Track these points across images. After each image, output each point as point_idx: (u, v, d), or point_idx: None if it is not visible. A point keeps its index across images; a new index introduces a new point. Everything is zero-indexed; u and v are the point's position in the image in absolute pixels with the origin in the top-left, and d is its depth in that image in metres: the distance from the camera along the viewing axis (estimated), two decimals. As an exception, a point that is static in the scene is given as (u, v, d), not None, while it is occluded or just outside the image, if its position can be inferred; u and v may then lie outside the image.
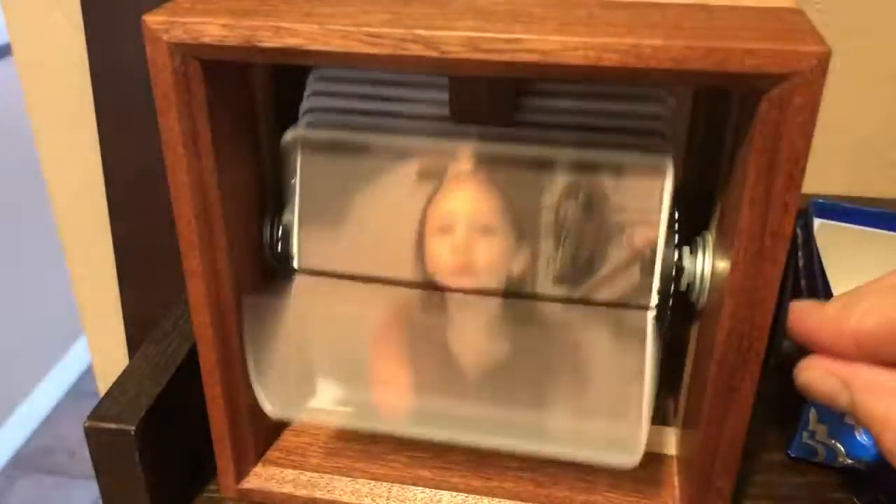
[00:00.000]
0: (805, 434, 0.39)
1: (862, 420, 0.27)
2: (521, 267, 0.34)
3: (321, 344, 0.37)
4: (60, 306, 1.94)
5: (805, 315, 0.29)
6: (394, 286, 0.35)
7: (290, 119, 0.36)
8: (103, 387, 0.65)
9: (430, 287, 0.35)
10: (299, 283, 0.36)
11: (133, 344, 0.50)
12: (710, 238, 0.35)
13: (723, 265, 0.32)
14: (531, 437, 0.34)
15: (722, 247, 0.33)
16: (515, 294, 0.35)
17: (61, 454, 1.82)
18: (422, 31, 0.27)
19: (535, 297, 0.35)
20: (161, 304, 0.34)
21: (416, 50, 0.27)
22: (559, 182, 0.33)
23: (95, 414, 0.35)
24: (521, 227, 0.34)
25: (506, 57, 0.27)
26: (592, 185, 0.33)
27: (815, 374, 0.29)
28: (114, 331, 0.60)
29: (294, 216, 0.36)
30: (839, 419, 0.38)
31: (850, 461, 0.39)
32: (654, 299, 0.34)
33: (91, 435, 0.35)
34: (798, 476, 0.40)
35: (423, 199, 0.34)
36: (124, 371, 0.38)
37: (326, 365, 0.38)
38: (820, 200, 0.48)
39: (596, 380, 0.35)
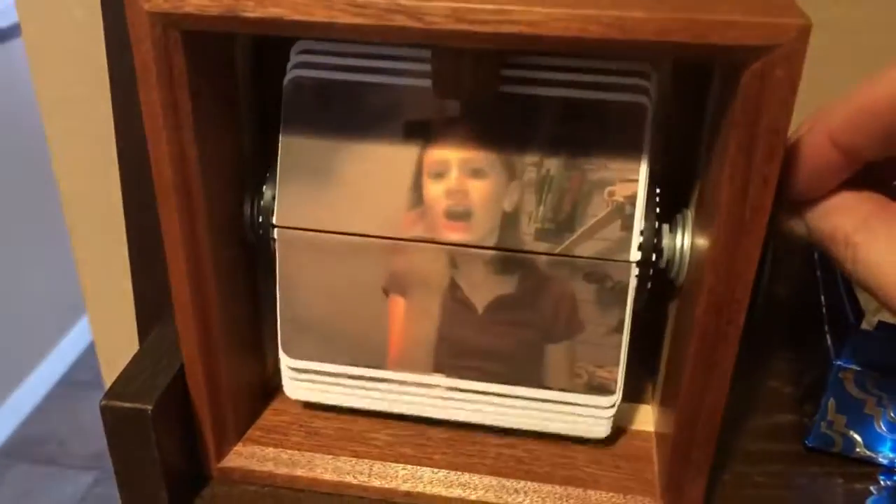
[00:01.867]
0: (823, 424, 0.39)
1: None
2: (513, 203, 0.35)
3: (317, 302, 0.37)
4: (52, 296, 1.93)
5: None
6: (386, 246, 0.35)
7: (273, 92, 0.36)
8: (106, 369, 0.64)
9: (424, 240, 0.35)
10: (283, 242, 0.36)
11: (143, 325, 0.49)
12: (690, 215, 0.35)
13: (702, 241, 0.32)
14: (530, 380, 0.37)
15: (701, 223, 0.33)
16: (505, 246, 0.35)
17: (52, 444, 1.81)
18: (405, 2, 0.27)
19: (519, 251, 0.35)
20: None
21: (400, 21, 0.27)
22: (542, 136, 0.34)
23: (111, 392, 0.35)
24: (512, 166, 0.34)
25: (490, 28, 0.27)
26: (574, 139, 0.34)
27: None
28: (119, 312, 0.59)
29: (276, 174, 0.36)
30: (858, 409, 0.38)
31: (868, 452, 0.39)
32: (635, 254, 0.34)
33: (107, 413, 0.34)
34: (815, 466, 0.39)
35: (412, 153, 0.35)
36: (140, 349, 0.37)
37: (323, 318, 0.38)
38: None
39: (587, 327, 0.36)
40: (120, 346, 0.62)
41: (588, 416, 0.38)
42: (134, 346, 0.53)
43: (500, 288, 0.36)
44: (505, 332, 0.36)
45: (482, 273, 0.36)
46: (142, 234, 0.46)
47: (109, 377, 0.63)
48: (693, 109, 0.35)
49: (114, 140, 0.47)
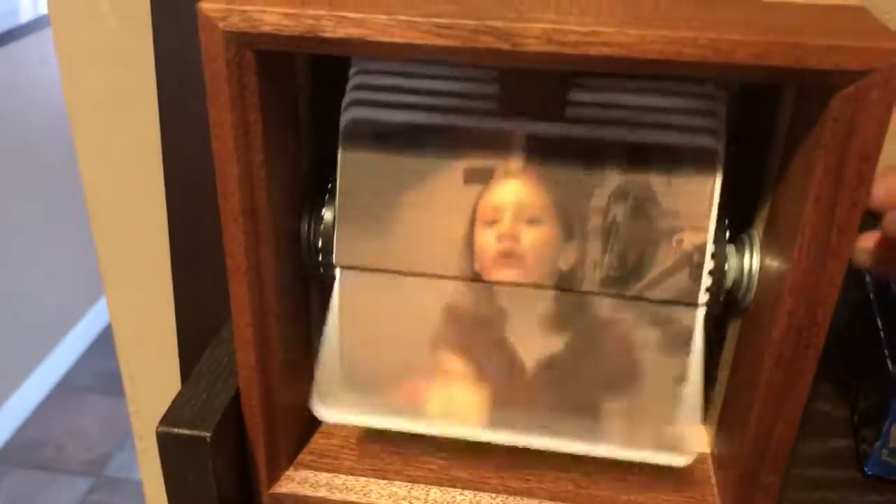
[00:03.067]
0: (884, 451, 0.38)
1: None
2: (569, 263, 0.34)
3: (371, 343, 0.37)
4: (51, 299, 1.90)
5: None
6: (439, 287, 0.35)
7: (330, 111, 0.35)
8: (129, 384, 0.62)
9: (477, 282, 0.35)
10: (343, 280, 0.35)
11: (184, 346, 0.48)
12: (758, 235, 0.34)
13: (776, 263, 0.32)
14: (585, 437, 0.35)
15: (775, 244, 0.33)
16: (564, 288, 0.34)
17: (49, 449, 1.78)
18: (495, 23, 0.26)
19: (583, 294, 0.34)
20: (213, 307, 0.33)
21: (488, 42, 0.27)
22: (608, 183, 0.33)
23: (168, 418, 0.34)
24: (570, 223, 0.33)
25: (581, 50, 0.26)
26: (641, 186, 0.33)
27: None
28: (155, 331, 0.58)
29: (335, 196, 0.35)
30: None
31: None
32: (703, 297, 0.34)
33: (165, 440, 0.33)
34: (875, 494, 0.39)
35: (471, 197, 0.34)
36: (193, 374, 0.37)
37: (370, 364, 0.37)
38: None
39: (646, 377, 0.34)
40: (145, 344, 0.60)
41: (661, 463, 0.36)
42: (160, 349, 0.52)
43: (551, 345, 0.35)
44: (557, 391, 0.35)
45: (534, 326, 0.35)
46: (187, 257, 0.45)
47: (131, 389, 0.62)
48: (760, 127, 0.35)
49: (152, 148, 0.46)
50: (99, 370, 1.98)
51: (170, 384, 0.56)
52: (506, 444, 0.36)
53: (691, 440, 0.34)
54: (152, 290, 0.52)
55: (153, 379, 0.59)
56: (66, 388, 1.96)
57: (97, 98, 0.49)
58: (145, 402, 0.62)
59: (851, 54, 0.25)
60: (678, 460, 0.35)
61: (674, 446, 0.35)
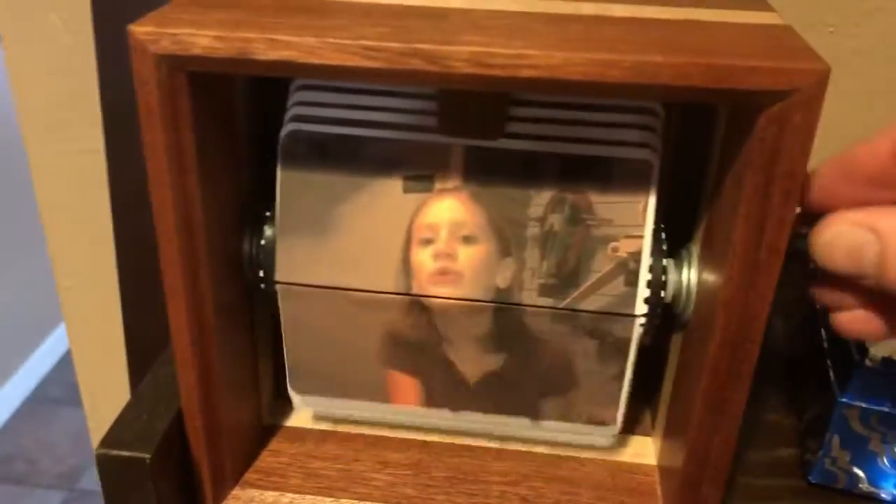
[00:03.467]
0: (827, 460, 0.38)
1: (891, 272, 0.26)
2: (507, 280, 0.34)
3: (317, 360, 0.37)
4: (23, 310, 1.88)
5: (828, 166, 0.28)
6: (380, 304, 0.35)
7: (270, 130, 0.35)
8: (89, 402, 0.62)
9: (416, 302, 0.35)
10: (285, 298, 0.36)
11: (134, 361, 0.48)
12: (695, 250, 0.35)
13: (711, 278, 0.32)
14: (524, 430, 0.38)
15: (710, 259, 0.33)
16: (500, 303, 0.34)
17: (21, 462, 1.76)
18: (423, 46, 0.26)
19: (519, 307, 0.35)
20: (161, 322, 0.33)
21: (416, 64, 0.27)
22: (545, 194, 0.33)
23: (108, 440, 0.34)
24: (507, 239, 0.34)
25: (508, 72, 0.26)
26: (578, 196, 0.33)
27: (840, 227, 0.27)
28: (107, 347, 0.57)
29: (275, 213, 0.35)
30: (863, 446, 0.38)
31: (871, 489, 0.38)
32: (641, 308, 0.34)
33: (103, 462, 0.33)
34: (819, 502, 0.39)
35: (409, 214, 0.34)
36: (134, 394, 0.36)
37: (324, 376, 0.38)
38: None
39: (584, 380, 0.36)
40: (100, 361, 0.60)
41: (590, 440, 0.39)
42: (115, 366, 0.52)
43: (492, 361, 0.36)
44: (499, 399, 0.37)
45: (473, 346, 0.36)
46: (134, 272, 0.45)
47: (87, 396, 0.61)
48: (697, 145, 0.35)
49: (100, 165, 0.45)
50: (71, 382, 1.96)
51: (124, 403, 0.56)
52: (446, 427, 0.39)
53: (620, 417, 0.37)
54: (104, 309, 0.52)
55: (110, 397, 0.59)
56: (38, 401, 1.94)
57: (51, 118, 0.49)
58: (104, 421, 0.62)
59: (773, 75, 0.26)
60: (608, 431, 0.38)
61: (603, 422, 0.37)
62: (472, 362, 0.36)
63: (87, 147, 0.46)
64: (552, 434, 0.39)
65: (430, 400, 0.38)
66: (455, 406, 0.38)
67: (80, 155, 0.47)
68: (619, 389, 0.36)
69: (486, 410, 0.38)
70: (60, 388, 1.96)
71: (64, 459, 1.77)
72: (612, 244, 0.34)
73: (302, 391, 0.38)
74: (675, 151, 0.37)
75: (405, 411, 0.38)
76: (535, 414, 0.37)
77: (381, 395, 0.38)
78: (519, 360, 0.36)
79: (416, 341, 0.36)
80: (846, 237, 0.27)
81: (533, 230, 0.34)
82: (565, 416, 0.37)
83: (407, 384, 0.37)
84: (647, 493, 0.39)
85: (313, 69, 0.27)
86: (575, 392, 0.36)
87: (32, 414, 1.90)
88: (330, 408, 0.40)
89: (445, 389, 0.37)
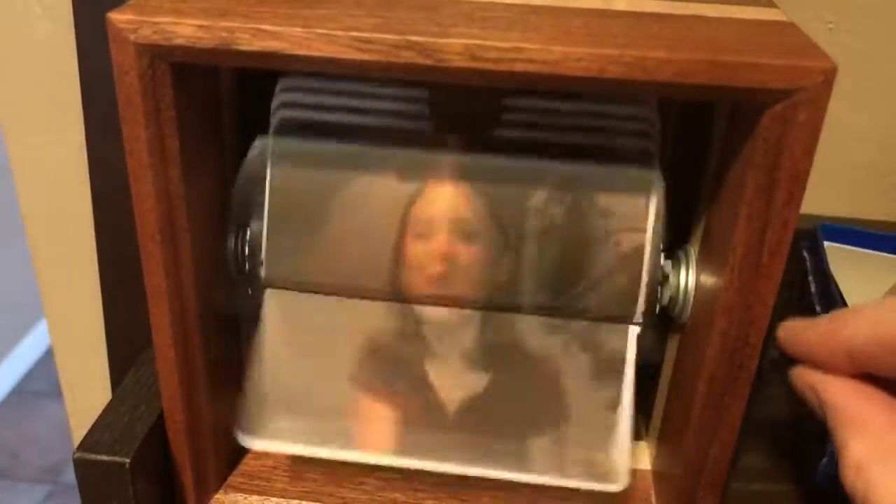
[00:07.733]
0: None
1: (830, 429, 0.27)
2: (504, 278, 0.33)
3: (293, 370, 0.36)
4: (6, 303, 1.86)
5: (797, 330, 0.28)
6: (369, 309, 0.34)
7: (257, 124, 0.34)
8: (70, 398, 0.60)
9: (407, 300, 0.34)
10: (271, 299, 0.34)
11: (116, 361, 0.47)
12: (693, 252, 0.34)
13: (710, 280, 0.31)
14: (513, 467, 0.35)
15: (708, 261, 0.32)
16: (498, 303, 0.33)
17: (4, 456, 1.74)
18: (416, 38, 0.25)
19: (517, 306, 0.34)
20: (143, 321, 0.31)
21: (409, 57, 0.26)
22: (545, 188, 0.32)
23: (86, 443, 0.32)
24: (506, 233, 0.33)
25: (504, 66, 0.25)
26: (579, 192, 0.33)
27: (796, 382, 0.29)
28: (89, 348, 0.56)
29: (262, 228, 0.34)
30: None
31: None
32: (639, 313, 0.33)
33: (81, 466, 0.32)
34: None
35: (399, 209, 0.33)
36: (115, 395, 0.35)
37: (297, 391, 0.36)
38: (828, 224, 0.47)
39: (576, 407, 0.34)
40: (81, 356, 0.59)
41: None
42: (96, 362, 0.51)
43: (475, 382, 0.34)
44: (480, 430, 0.35)
45: (458, 361, 0.34)
46: (115, 267, 0.44)
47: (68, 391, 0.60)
48: (695, 144, 0.34)
49: (81, 157, 0.44)
50: (55, 375, 1.94)
51: (106, 400, 0.55)
52: (428, 469, 0.36)
53: (624, 466, 0.34)
54: (85, 302, 0.51)
55: (90, 393, 0.57)
56: (21, 394, 1.92)
57: (30, 112, 0.47)
58: (85, 416, 0.61)
59: (778, 73, 0.25)
60: (611, 487, 0.35)
61: (606, 473, 0.34)
62: (454, 382, 0.34)
63: (68, 138, 0.45)
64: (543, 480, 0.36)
65: (403, 436, 0.35)
66: (431, 444, 0.35)
67: (61, 146, 0.46)
68: (616, 423, 0.34)
69: (465, 449, 0.35)
70: (44, 381, 1.94)
71: (48, 453, 1.75)
72: (615, 238, 0.33)
73: (260, 430, 0.36)
74: (671, 150, 0.36)
75: (371, 456, 0.36)
76: (522, 458, 0.35)
77: (348, 432, 0.36)
78: (505, 382, 0.34)
79: (397, 356, 0.34)
80: (801, 393, 0.28)
81: (532, 223, 0.33)
82: (559, 467, 0.35)
83: (378, 413, 0.35)
84: (642, 500, 0.38)
85: (302, 61, 0.26)
86: (565, 427, 0.34)
87: (15, 407, 1.88)
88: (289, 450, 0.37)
89: (421, 419, 0.35)
